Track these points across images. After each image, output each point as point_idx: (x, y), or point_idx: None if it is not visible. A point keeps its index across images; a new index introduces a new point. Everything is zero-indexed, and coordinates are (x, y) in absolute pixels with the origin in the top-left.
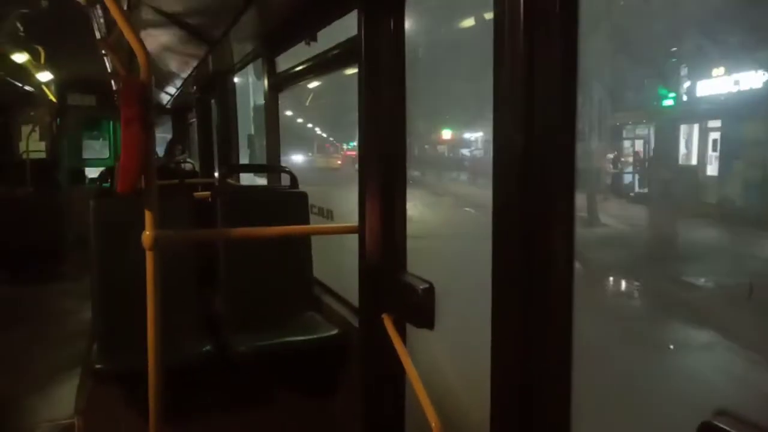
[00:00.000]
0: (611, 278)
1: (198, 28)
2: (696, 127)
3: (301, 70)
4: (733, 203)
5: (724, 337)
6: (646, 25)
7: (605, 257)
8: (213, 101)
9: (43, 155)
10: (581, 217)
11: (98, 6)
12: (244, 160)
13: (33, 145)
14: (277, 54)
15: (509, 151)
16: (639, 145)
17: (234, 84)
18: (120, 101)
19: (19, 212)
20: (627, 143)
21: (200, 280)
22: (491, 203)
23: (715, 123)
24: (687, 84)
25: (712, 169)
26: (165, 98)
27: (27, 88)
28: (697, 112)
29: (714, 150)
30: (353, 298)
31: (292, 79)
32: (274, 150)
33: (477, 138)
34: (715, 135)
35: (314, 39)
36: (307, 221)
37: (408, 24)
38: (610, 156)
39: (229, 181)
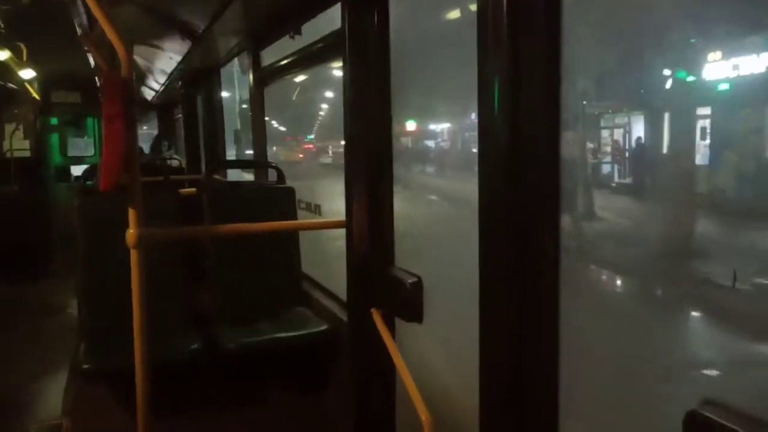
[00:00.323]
0: (637, 282)
1: (181, 22)
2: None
3: (286, 64)
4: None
5: None
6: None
7: (615, 255)
8: (199, 96)
9: (27, 154)
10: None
11: (79, 1)
12: (230, 155)
13: (17, 143)
14: (262, 48)
15: (494, 144)
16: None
17: (219, 79)
18: (102, 97)
19: (4, 212)
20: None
21: (188, 277)
22: (455, 193)
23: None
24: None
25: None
26: (150, 94)
27: (9, 85)
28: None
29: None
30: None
31: (277, 73)
32: (260, 145)
33: (443, 129)
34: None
35: (299, 32)
36: (294, 216)
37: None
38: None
39: (216, 176)
